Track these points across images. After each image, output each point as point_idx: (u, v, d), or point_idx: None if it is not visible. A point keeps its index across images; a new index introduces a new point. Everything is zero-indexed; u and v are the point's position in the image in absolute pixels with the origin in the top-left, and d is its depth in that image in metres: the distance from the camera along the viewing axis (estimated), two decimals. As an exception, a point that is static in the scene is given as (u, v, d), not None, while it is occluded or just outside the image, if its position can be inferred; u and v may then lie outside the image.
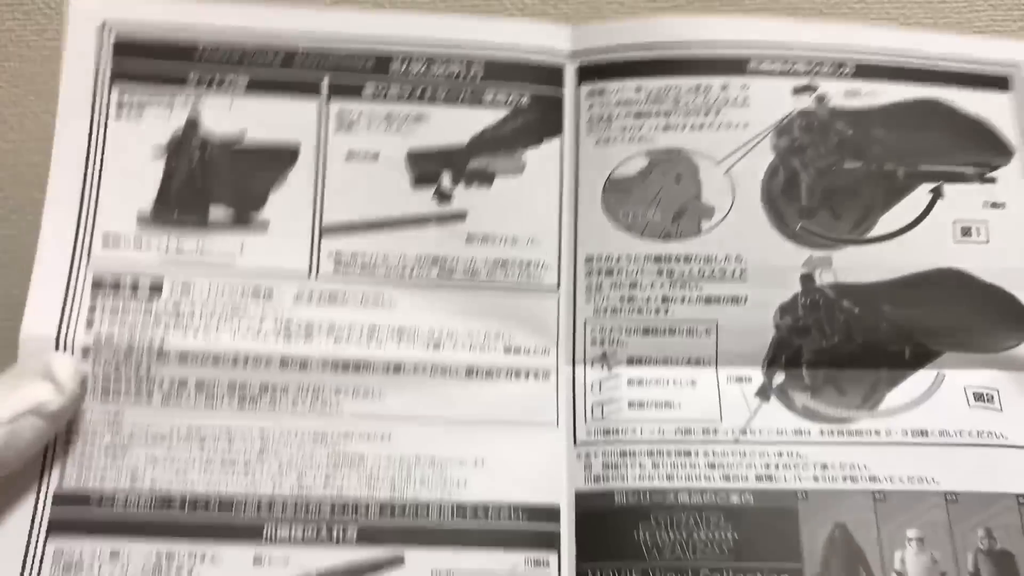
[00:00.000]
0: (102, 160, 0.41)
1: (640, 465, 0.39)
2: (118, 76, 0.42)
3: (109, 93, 0.42)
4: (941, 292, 0.41)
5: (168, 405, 0.39)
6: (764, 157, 0.42)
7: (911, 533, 0.38)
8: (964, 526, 0.38)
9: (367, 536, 0.38)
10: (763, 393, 0.41)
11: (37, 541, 0.37)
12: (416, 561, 0.38)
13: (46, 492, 0.38)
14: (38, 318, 0.39)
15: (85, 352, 0.39)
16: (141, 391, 0.39)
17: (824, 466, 0.39)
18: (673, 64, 0.43)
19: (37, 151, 0.67)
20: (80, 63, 0.42)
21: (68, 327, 0.39)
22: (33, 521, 0.37)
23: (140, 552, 0.37)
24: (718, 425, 0.40)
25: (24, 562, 0.37)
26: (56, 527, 0.37)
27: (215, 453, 0.39)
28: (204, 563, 0.37)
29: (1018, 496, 0.39)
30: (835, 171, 0.42)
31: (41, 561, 0.37)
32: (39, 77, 0.60)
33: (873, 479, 0.39)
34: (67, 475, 0.38)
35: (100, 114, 0.42)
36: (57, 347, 0.39)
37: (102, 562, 0.37)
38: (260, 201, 0.42)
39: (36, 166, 0.67)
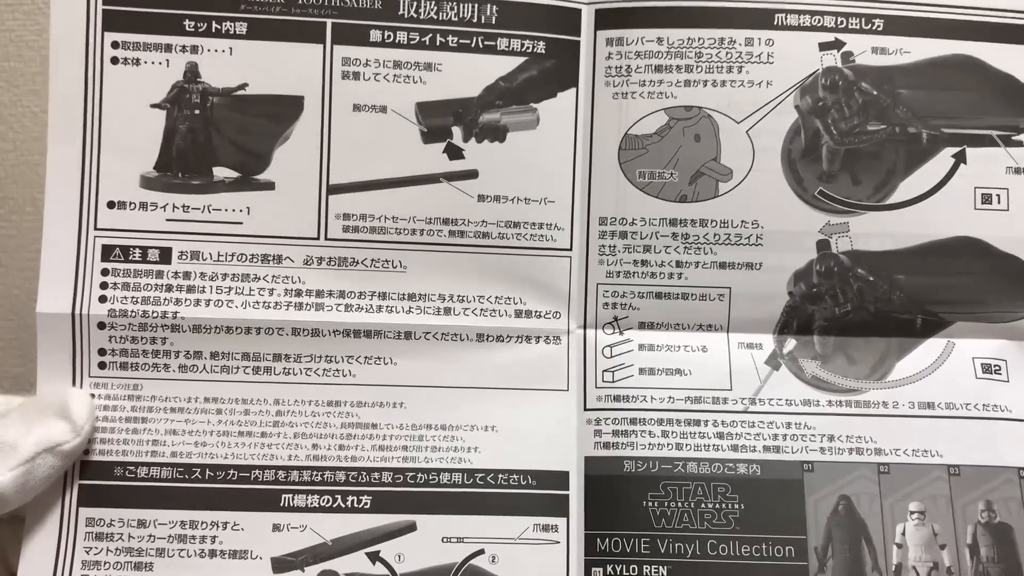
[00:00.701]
0: (100, 118, 0.40)
1: (650, 433, 0.40)
2: (110, 25, 0.40)
3: (102, 45, 0.40)
4: (957, 261, 0.41)
5: (185, 375, 0.39)
6: (786, 117, 0.41)
7: (913, 506, 0.39)
8: (965, 499, 0.39)
9: (380, 503, 0.39)
10: (773, 361, 0.41)
11: (70, 510, 0.38)
12: (428, 527, 0.39)
13: (75, 463, 0.38)
14: (52, 294, 0.39)
15: (101, 325, 0.39)
16: (158, 362, 0.39)
17: (831, 437, 0.40)
18: (697, 13, 0.41)
19: (37, 151, 0.64)
20: (69, 13, 0.39)
21: (82, 302, 0.39)
22: (64, 491, 0.38)
23: (165, 520, 0.38)
24: (728, 394, 0.40)
25: (60, 531, 0.38)
26: (86, 497, 0.38)
27: (232, 423, 0.39)
28: (226, 531, 0.38)
29: (1019, 469, 0.40)
30: (858, 133, 0.41)
31: (75, 529, 0.38)
32: (39, 77, 0.60)
33: (879, 451, 0.40)
34: (92, 447, 0.39)
35: (94, 68, 0.40)
36: (73, 322, 0.39)
37: (130, 530, 0.38)
38: (265, 160, 0.40)
39: (36, 166, 0.65)
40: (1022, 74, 0.42)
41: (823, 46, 0.41)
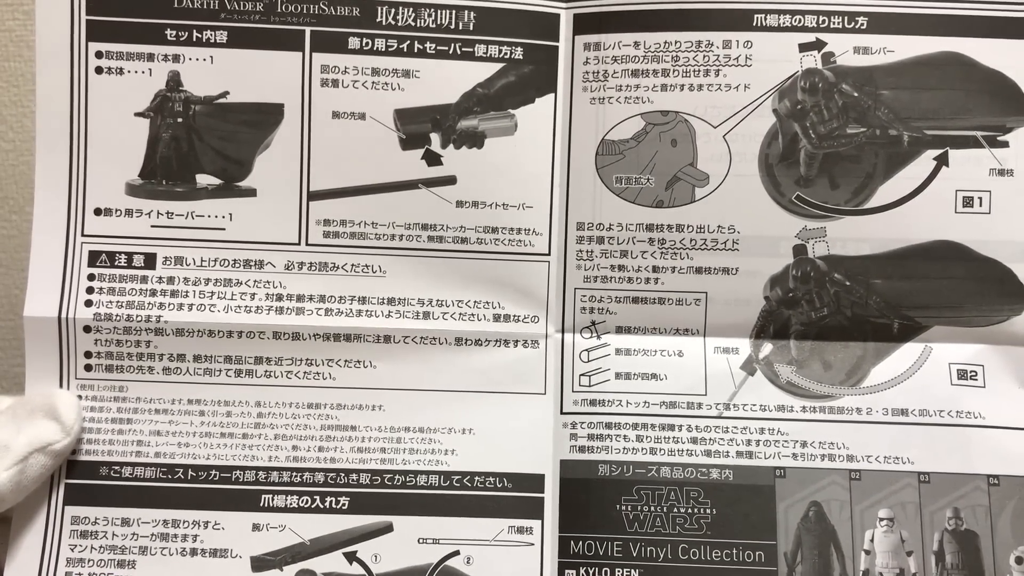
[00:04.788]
0: (86, 127, 0.40)
1: (625, 437, 0.40)
2: (94, 34, 0.40)
3: (86, 55, 0.40)
4: (936, 265, 0.41)
5: (169, 377, 0.40)
6: (764, 121, 0.41)
7: (882, 513, 0.39)
8: (934, 506, 0.39)
9: (358, 504, 0.40)
10: (749, 366, 0.41)
11: (56, 509, 0.39)
12: (404, 528, 0.40)
13: (63, 463, 0.40)
14: (39, 299, 0.40)
15: (87, 329, 0.40)
16: (143, 364, 0.40)
17: (804, 443, 0.40)
18: (674, 16, 0.41)
19: None
20: (54, 23, 0.40)
21: (69, 306, 0.40)
22: (51, 490, 0.39)
23: (148, 519, 0.39)
24: (703, 399, 0.41)
25: (46, 529, 0.39)
26: (72, 496, 0.40)
27: (215, 424, 0.40)
28: (207, 530, 0.40)
29: (988, 477, 0.40)
30: (836, 136, 0.41)
31: (61, 527, 0.39)
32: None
33: (850, 458, 0.40)
34: (79, 447, 0.40)
35: (79, 77, 0.40)
36: (60, 326, 0.40)
37: (114, 528, 0.39)
38: (247, 167, 0.41)
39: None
40: (1012, 70, 0.41)
41: (803, 47, 0.41)
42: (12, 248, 0.62)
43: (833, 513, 0.39)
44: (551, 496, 0.40)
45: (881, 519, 0.39)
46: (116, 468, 0.40)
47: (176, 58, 0.41)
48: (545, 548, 0.40)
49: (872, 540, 0.39)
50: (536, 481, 0.40)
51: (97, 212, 0.41)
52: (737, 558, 0.39)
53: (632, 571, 0.39)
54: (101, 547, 0.39)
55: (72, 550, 0.39)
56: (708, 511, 0.39)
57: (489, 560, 0.40)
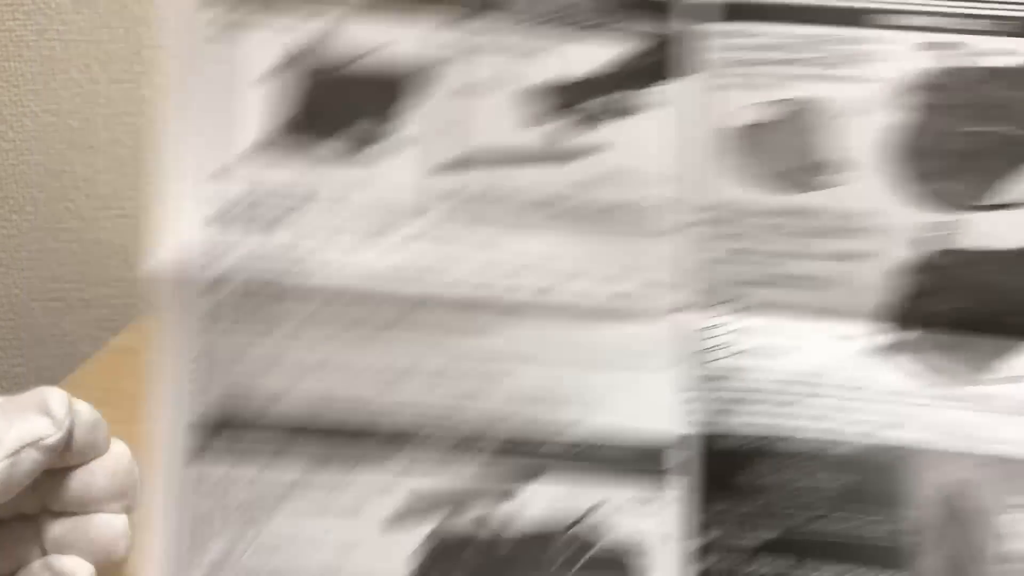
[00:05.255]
0: (207, 88, 0.41)
1: (749, 413, 0.41)
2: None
3: (210, 18, 0.41)
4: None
5: (296, 340, 0.41)
6: (897, 113, 0.42)
7: (1019, 499, 0.40)
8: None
9: (486, 473, 0.41)
10: (877, 351, 0.42)
11: (179, 468, 0.39)
12: (532, 495, 0.40)
13: (186, 421, 0.39)
14: (163, 257, 0.40)
15: (212, 286, 0.40)
16: (269, 325, 0.41)
17: (937, 426, 0.41)
18: (805, 8, 0.43)
19: (37, 150, 0.66)
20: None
21: (193, 264, 0.40)
22: (174, 448, 0.39)
23: (279, 479, 0.40)
24: (829, 378, 0.42)
25: (167, 488, 0.39)
26: (195, 454, 0.39)
27: (339, 389, 0.41)
28: (339, 488, 0.40)
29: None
30: (973, 133, 0.42)
31: (185, 487, 0.39)
32: (39, 77, 0.61)
33: (986, 441, 0.41)
34: (207, 403, 0.40)
35: (198, 37, 0.41)
36: (182, 284, 0.40)
37: (242, 486, 0.40)
38: (372, 134, 0.42)
39: (36, 165, 0.67)
40: None
41: (935, 45, 0.43)
42: (12, 248, 0.61)
43: (970, 496, 0.41)
44: (677, 468, 0.41)
45: (1018, 504, 0.40)
46: (251, 420, 0.40)
47: (303, 18, 0.42)
48: (674, 517, 0.41)
49: (1010, 525, 0.40)
50: (661, 453, 0.41)
51: (217, 177, 0.41)
52: (869, 533, 0.40)
53: (762, 539, 0.40)
54: (228, 506, 0.40)
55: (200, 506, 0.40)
56: (839, 485, 0.41)
57: (619, 526, 0.40)
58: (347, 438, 0.40)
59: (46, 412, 0.37)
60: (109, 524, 0.39)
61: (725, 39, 0.42)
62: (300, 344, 0.40)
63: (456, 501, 0.40)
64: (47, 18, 0.58)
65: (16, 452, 0.36)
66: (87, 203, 0.62)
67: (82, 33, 0.58)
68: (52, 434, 0.37)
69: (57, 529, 0.38)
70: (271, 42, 0.41)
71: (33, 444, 0.36)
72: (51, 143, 0.60)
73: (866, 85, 0.41)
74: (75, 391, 0.51)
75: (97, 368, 0.57)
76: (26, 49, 0.59)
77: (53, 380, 0.62)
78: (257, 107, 0.40)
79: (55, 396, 0.38)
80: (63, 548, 0.39)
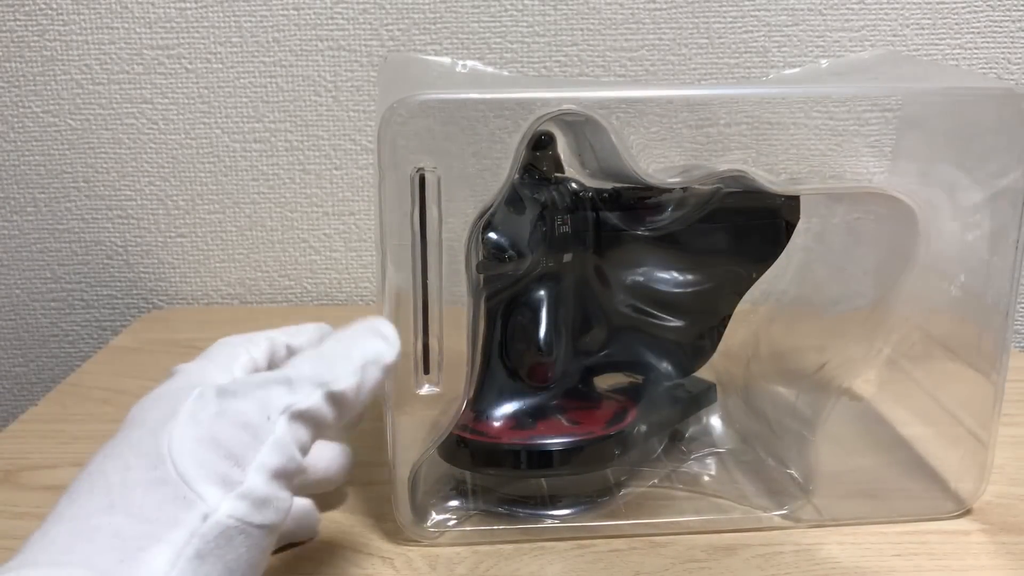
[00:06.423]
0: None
1: None
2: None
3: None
4: None
5: None
6: None
7: None
8: None
9: None
10: None
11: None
12: None
13: None
14: None
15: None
16: None
17: None
18: None
19: (38, 151, 0.65)
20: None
21: None
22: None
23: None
24: None
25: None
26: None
27: None
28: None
29: None
30: None
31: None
32: (40, 78, 0.61)
33: None
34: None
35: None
36: None
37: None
38: None
39: (37, 166, 0.65)
40: None
41: None
42: (13, 248, 0.61)
43: None
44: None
45: None
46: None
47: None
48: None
49: None
50: None
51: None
52: None
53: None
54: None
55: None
56: None
57: None
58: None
59: (381, 336, 0.39)
60: None
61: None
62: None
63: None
64: (47, 18, 0.58)
65: (363, 367, 0.38)
66: (87, 203, 0.62)
67: (82, 33, 0.58)
68: (389, 353, 0.39)
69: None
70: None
71: (375, 362, 0.38)
72: (51, 143, 0.60)
73: None
74: (75, 391, 0.51)
75: (97, 368, 0.56)
76: (26, 49, 0.59)
77: (53, 380, 0.62)
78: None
79: (385, 324, 0.40)
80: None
